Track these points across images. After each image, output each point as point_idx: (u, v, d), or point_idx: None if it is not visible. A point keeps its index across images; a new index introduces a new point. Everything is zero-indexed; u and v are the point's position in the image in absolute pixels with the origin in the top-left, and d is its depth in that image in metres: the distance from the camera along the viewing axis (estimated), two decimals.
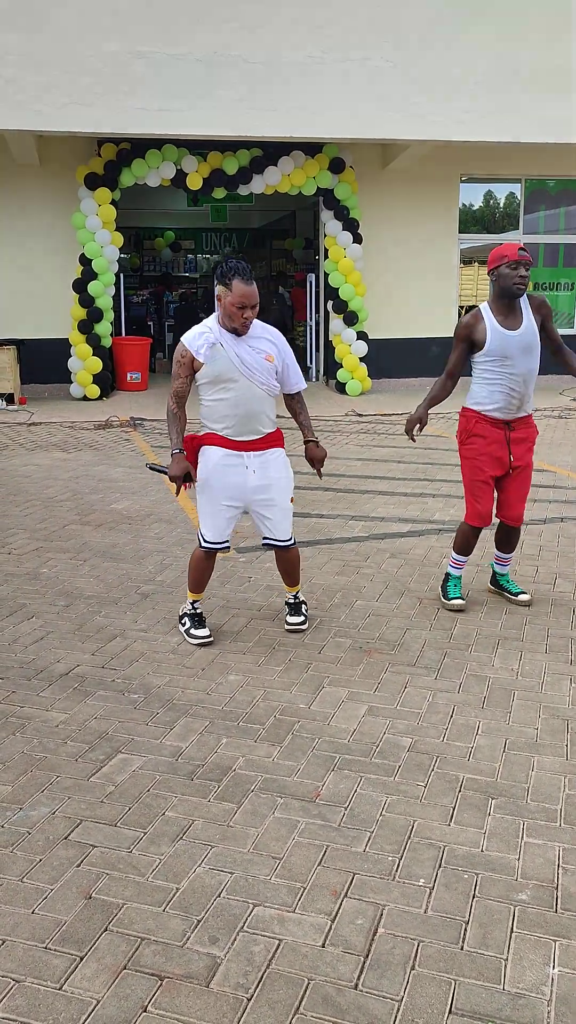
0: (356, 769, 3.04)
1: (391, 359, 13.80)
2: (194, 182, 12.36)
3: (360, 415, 11.46)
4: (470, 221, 14.22)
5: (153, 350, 14.79)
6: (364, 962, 2.17)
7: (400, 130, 11.39)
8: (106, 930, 2.27)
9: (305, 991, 2.08)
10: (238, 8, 10.84)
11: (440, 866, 2.53)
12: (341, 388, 13.22)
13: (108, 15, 10.63)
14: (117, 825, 2.72)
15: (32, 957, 2.18)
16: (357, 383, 13.08)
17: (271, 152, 12.39)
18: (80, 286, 12.36)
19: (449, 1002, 2.05)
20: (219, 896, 2.40)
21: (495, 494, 4.47)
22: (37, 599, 4.71)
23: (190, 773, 3.01)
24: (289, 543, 4.17)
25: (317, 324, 14.27)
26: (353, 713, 3.44)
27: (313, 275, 14.31)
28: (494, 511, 4.49)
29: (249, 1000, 2.05)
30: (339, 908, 2.36)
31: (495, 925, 2.30)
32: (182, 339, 3.95)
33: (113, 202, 12.29)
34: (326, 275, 13.18)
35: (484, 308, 4.28)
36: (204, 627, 4.14)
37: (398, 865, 2.53)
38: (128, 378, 13.40)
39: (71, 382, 12.75)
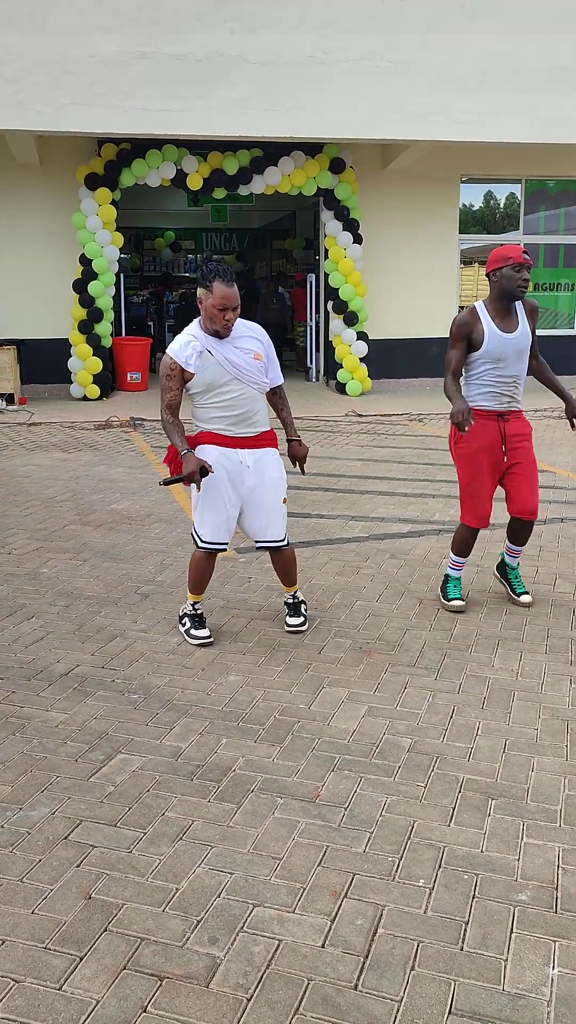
0: (356, 769, 3.04)
1: (391, 359, 13.81)
2: (194, 182, 12.37)
3: (360, 415, 11.46)
4: (470, 221, 14.22)
5: (153, 350, 14.79)
6: (364, 962, 2.17)
7: (400, 130, 11.40)
8: (106, 930, 2.27)
9: (305, 991, 2.08)
10: (239, 8, 10.84)
11: (440, 866, 2.53)
12: (341, 388, 13.23)
13: (109, 15, 10.63)
14: (117, 825, 2.72)
15: (32, 957, 2.18)
16: (357, 383, 13.09)
17: (271, 152, 12.40)
18: (80, 286, 12.37)
19: (449, 1003, 2.05)
20: (219, 896, 2.40)
21: (494, 493, 4.46)
22: (37, 599, 4.71)
23: (190, 773, 3.01)
24: (283, 544, 4.16)
25: (317, 324, 14.27)
26: (353, 713, 3.44)
27: (313, 275, 14.31)
28: (493, 510, 4.48)
29: (249, 1000, 2.05)
30: (339, 908, 2.36)
31: (495, 926, 2.30)
32: (168, 351, 3.90)
33: (113, 202, 12.30)
34: (326, 275, 13.18)
35: (480, 308, 4.24)
36: (204, 627, 4.14)
37: (398, 865, 2.53)
38: (128, 378, 13.41)
39: (71, 382, 12.76)
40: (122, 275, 13.64)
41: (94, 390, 12.54)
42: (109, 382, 12.91)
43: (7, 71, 10.54)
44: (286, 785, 2.94)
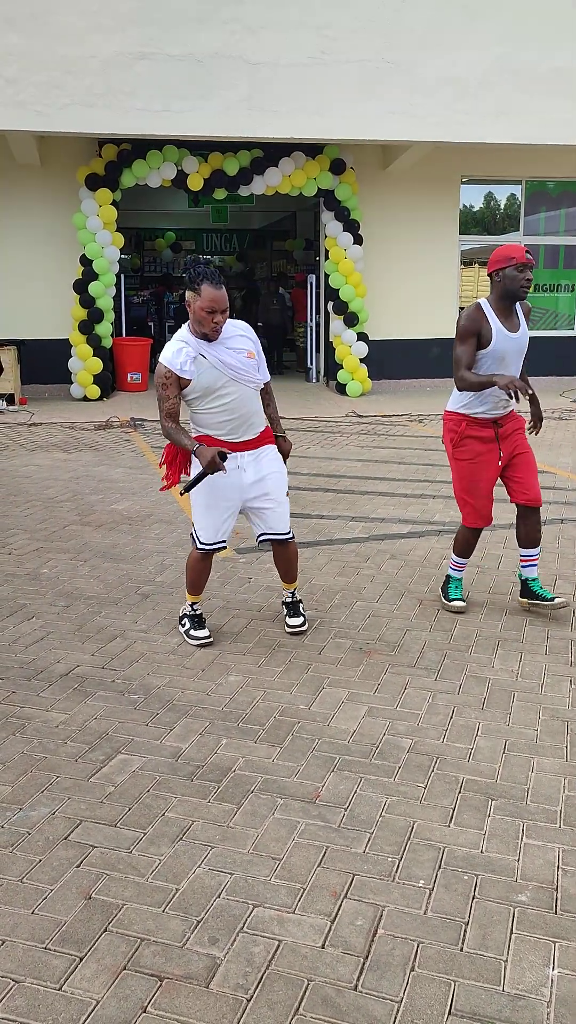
0: (356, 770, 3.04)
1: (391, 360, 13.81)
2: (195, 183, 12.37)
3: (360, 416, 11.47)
4: (471, 222, 14.23)
5: (153, 351, 14.78)
6: (364, 963, 2.17)
7: (400, 131, 11.41)
8: (106, 930, 2.27)
9: (305, 992, 2.08)
10: (239, 9, 10.85)
11: (440, 867, 2.53)
12: (341, 389, 13.23)
13: (109, 15, 10.64)
14: (117, 826, 2.72)
15: (32, 957, 2.18)
16: (357, 384, 13.09)
17: (272, 153, 12.40)
18: (81, 287, 12.37)
19: (449, 1003, 2.05)
20: (219, 897, 2.40)
21: (493, 488, 4.45)
22: (37, 599, 4.71)
23: (190, 774, 3.01)
24: (288, 536, 4.17)
25: (317, 325, 14.27)
26: (353, 714, 3.44)
27: (313, 276, 14.32)
28: (492, 509, 4.47)
29: (249, 1001, 2.05)
30: (339, 909, 2.36)
31: (495, 926, 2.30)
32: (161, 360, 3.86)
33: (114, 203, 12.31)
34: (326, 276, 13.18)
35: (485, 305, 4.18)
36: (204, 628, 4.14)
37: (398, 866, 2.53)
38: (128, 379, 13.41)
39: (72, 382, 12.76)
40: (122, 276, 13.64)
41: (94, 390, 12.54)
42: (109, 382, 12.91)
43: (8, 71, 10.55)
44: (286, 785, 2.94)
